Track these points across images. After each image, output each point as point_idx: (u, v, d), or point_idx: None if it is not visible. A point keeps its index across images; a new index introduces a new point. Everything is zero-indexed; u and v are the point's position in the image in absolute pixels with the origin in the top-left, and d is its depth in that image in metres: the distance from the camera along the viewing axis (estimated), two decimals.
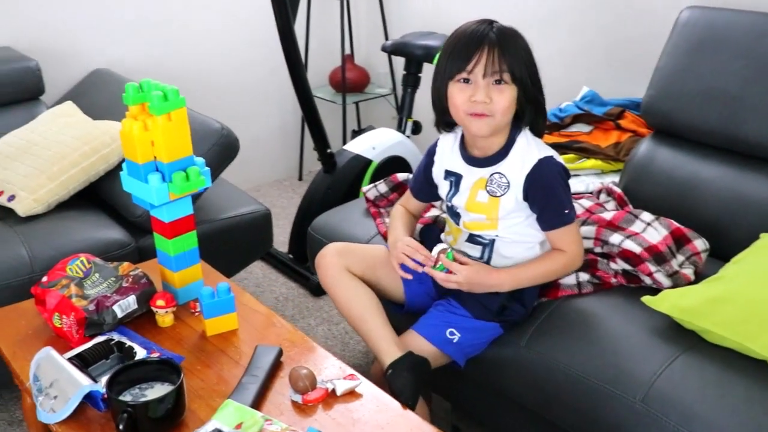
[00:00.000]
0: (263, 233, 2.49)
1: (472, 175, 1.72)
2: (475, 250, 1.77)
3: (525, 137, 1.67)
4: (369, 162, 2.82)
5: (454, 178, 1.76)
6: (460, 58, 1.59)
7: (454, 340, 1.70)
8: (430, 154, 1.82)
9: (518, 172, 1.65)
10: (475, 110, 1.60)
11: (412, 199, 1.92)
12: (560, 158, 1.69)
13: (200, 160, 1.70)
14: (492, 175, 1.68)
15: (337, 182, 2.79)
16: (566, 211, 1.66)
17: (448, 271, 1.68)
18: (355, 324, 1.75)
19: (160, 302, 1.70)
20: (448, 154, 1.78)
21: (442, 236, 1.88)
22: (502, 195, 1.67)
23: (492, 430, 2.00)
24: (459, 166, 1.75)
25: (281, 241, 3.15)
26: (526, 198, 1.66)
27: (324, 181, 2.81)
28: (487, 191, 1.69)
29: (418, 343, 1.71)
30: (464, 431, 2.12)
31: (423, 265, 1.71)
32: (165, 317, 1.71)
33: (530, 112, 1.64)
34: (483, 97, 1.57)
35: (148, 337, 1.67)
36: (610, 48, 2.82)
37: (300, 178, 3.79)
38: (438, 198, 1.86)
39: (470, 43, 1.58)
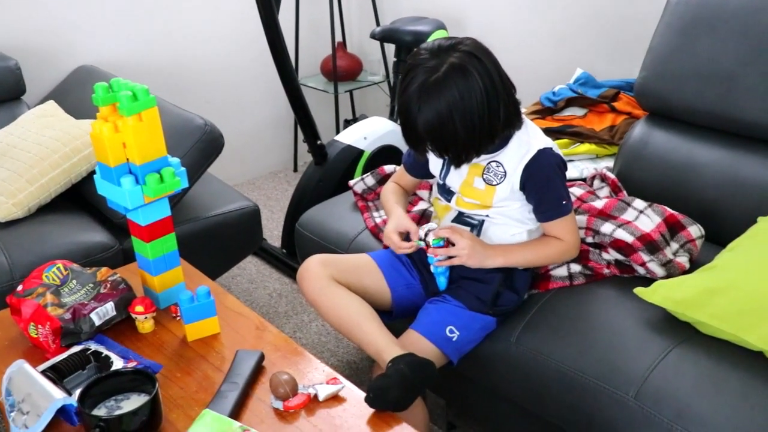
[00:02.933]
0: (252, 230, 2.44)
1: None
2: None
3: (525, 127, 1.64)
4: (361, 152, 2.76)
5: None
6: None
7: (453, 339, 1.65)
8: None
9: (516, 162, 1.62)
10: None
11: (405, 175, 1.90)
12: (558, 150, 1.65)
13: (175, 160, 1.65)
14: (489, 163, 1.65)
15: (329, 174, 2.74)
16: (564, 203, 1.63)
17: (446, 244, 1.66)
18: (349, 330, 1.68)
19: (138, 308, 1.66)
20: None
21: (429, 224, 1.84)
22: (498, 184, 1.65)
23: (487, 426, 1.95)
24: None
25: (276, 235, 3.11)
26: (522, 188, 1.63)
27: (315, 173, 2.76)
28: (484, 179, 1.66)
29: (417, 342, 1.65)
30: (460, 428, 2.07)
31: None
32: (145, 323, 1.67)
33: (484, 140, 1.57)
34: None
35: (128, 344, 1.63)
36: (603, 28, 2.74)
37: (295, 170, 3.74)
38: (431, 176, 1.83)
39: (409, 140, 1.59)
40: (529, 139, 1.62)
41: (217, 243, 2.35)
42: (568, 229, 1.66)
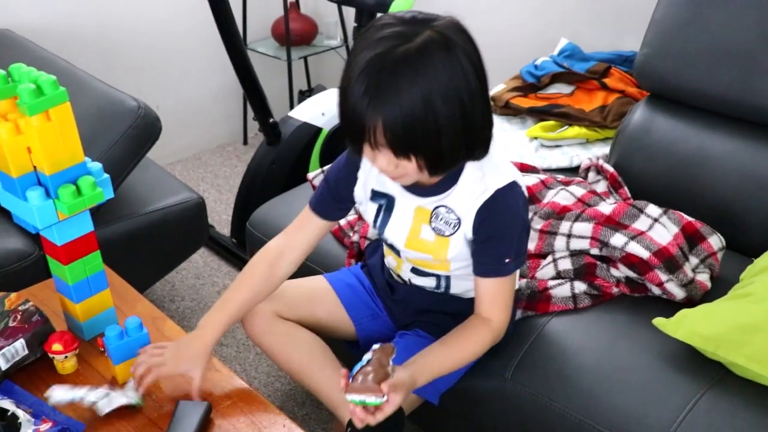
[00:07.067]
0: (197, 226, 2.13)
1: (408, 201, 1.34)
2: (428, 281, 1.43)
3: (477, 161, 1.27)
4: (319, 130, 2.46)
5: (385, 201, 1.37)
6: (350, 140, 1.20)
7: None
8: (350, 166, 1.39)
9: (470, 206, 1.28)
10: (382, 172, 1.24)
11: (312, 221, 1.43)
12: (522, 183, 1.31)
13: (96, 165, 1.34)
14: (437, 208, 1.31)
15: (283, 156, 2.44)
16: (506, 261, 1.29)
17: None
18: (301, 378, 1.43)
19: (56, 346, 1.37)
20: (375, 169, 1.30)
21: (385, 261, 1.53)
22: (452, 234, 1.31)
23: None
24: (391, 186, 1.35)
25: (225, 220, 2.80)
26: (474, 234, 1.30)
27: (268, 154, 2.45)
28: (432, 228, 1.32)
29: None
30: None
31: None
32: (65, 363, 1.38)
33: (465, 147, 1.20)
34: (384, 167, 1.19)
35: (44, 390, 1.34)
36: None
37: (245, 142, 3.41)
38: (346, 213, 1.47)
39: (354, 131, 1.15)
40: (484, 175, 1.27)
41: (156, 243, 2.04)
42: (502, 300, 1.32)
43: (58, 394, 1.28)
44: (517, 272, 1.36)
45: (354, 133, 1.15)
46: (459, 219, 1.29)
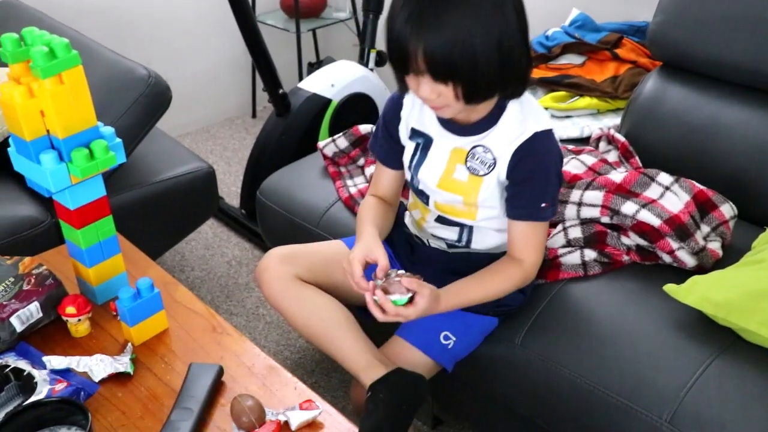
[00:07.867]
0: (207, 196, 2.13)
1: (446, 142, 1.36)
2: (451, 232, 1.44)
3: (519, 103, 1.30)
4: (328, 102, 2.46)
5: (423, 141, 1.39)
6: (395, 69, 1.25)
7: (449, 346, 1.40)
8: (395, 106, 1.42)
9: (507, 146, 1.29)
10: (425, 101, 1.26)
11: (383, 173, 1.49)
12: (557, 137, 1.33)
13: (108, 130, 1.34)
14: (474, 148, 1.32)
15: (292, 127, 2.43)
16: (543, 205, 1.31)
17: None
18: (321, 342, 1.42)
19: (70, 309, 1.38)
20: (417, 108, 1.38)
21: (406, 215, 1.55)
22: (486, 174, 1.32)
23: (480, 427, 1.72)
24: (430, 126, 1.38)
25: (234, 192, 2.81)
26: (509, 176, 1.31)
27: (277, 126, 2.45)
28: (468, 167, 1.34)
29: (406, 352, 1.40)
30: (447, 423, 1.84)
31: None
32: (78, 326, 1.40)
33: (500, 79, 1.21)
34: (427, 95, 1.21)
35: (59, 353, 1.36)
36: None
37: (254, 116, 3.41)
38: None
39: (398, 58, 1.20)
40: (524, 118, 1.29)
41: (167, 212, 2.05)
42: (535, 243, 1.34)
43: (56, 360, 1.30)
44: (546, 224, 1.38)
45: (399, 60, 1.19)
46: (495, 159, 1.31)
